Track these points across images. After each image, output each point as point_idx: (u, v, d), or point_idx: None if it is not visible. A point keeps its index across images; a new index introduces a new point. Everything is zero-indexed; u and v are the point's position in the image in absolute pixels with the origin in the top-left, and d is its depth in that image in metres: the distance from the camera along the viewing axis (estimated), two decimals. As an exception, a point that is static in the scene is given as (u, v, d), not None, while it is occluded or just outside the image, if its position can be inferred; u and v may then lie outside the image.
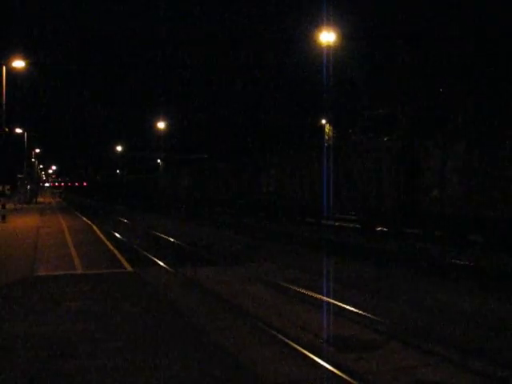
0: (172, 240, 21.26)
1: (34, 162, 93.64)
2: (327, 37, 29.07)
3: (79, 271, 13.18)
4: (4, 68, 30.86)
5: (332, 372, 6.27)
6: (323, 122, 36.64)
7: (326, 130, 32.16)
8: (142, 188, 68.74)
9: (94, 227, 26.22)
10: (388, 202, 20.54)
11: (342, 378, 6.08)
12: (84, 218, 33.87)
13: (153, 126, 72.62)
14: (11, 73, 32.48)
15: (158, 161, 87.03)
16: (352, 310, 9.15)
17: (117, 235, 23.68)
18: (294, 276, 12.81)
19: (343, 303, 9.63)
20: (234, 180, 36.25)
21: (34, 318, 8.49)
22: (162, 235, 23.08)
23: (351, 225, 24.61)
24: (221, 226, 27.82)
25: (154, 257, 16.10)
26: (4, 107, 31.53)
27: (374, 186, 21.27)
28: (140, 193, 68.11)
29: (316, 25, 29.53)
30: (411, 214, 19.47)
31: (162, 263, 14.89)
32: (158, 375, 6.06)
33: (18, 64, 31.36)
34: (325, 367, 6.43)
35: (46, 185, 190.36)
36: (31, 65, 33.73)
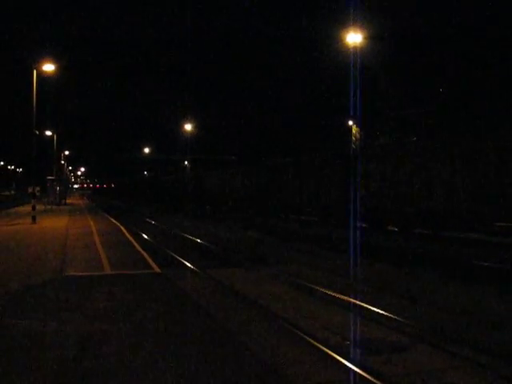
0: (200, 242, 21.31)
1: (63, 163, 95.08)
2: (354, 37, 28.96)
3: (107, 272, 13.33)
4: (35, 72, 31.34)
5: (360, 374, 6.24)
6: (350, 123, 36.44)
7: (353, 131, 31.96)
8: (171, 189, 68.15)
9: (123, 228, 26.44)
10: None
11: (370, 380, 6.04)
12: (112, 220, 34.19)
13: (180, 128, 73.05)
14: (41, 75, 32.90)
15: (186, 162, 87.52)
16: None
17: (145, 237, 23.85)
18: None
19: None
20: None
21: (63, 317, 8.61)
22: (192, 238, 23.06)
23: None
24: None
25: (183, 259, 16.13)
26: (35, 110, 32.05)
27: None
28: (169, 194, 67.45)
29: (343, 25, 29.42)
30: None
31: (190, 265, 14.94)
32: (186, 377, 6.09)
33: (48, 68, 31.80)
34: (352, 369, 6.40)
35: (75, 186, 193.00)
36: (61, 68, 34.14)
